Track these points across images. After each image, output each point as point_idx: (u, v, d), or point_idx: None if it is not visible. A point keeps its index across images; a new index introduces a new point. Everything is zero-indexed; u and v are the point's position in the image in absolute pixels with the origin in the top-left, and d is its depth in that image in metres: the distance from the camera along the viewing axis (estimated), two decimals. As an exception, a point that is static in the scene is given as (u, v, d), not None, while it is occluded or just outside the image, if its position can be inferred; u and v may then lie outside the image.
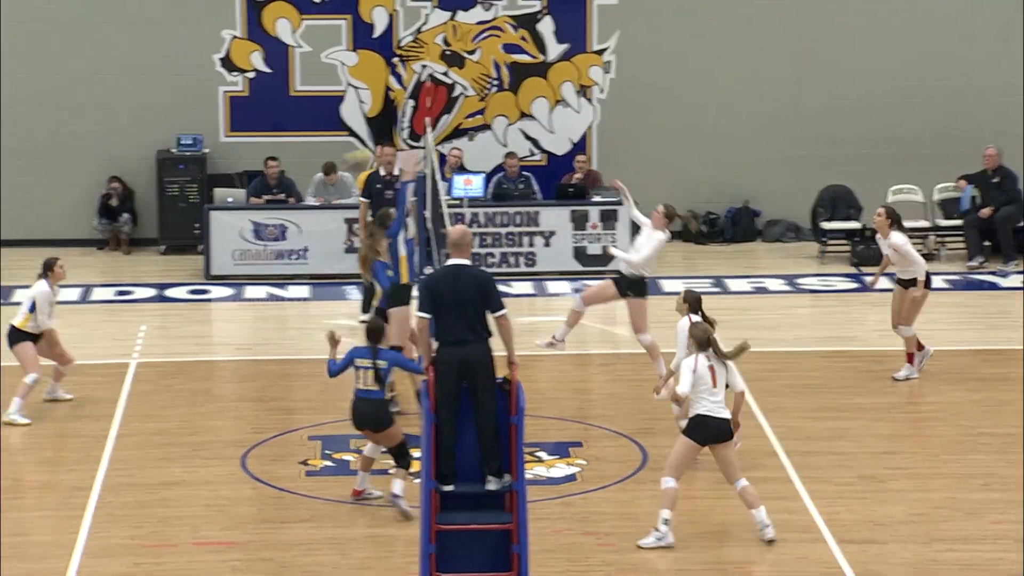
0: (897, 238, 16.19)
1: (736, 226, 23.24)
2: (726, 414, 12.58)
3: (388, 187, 19.43)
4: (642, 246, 15.72)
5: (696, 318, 13.67)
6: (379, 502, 13.38)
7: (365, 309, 15.36)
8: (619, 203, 21.63)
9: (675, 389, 12.81)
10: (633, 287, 15.67)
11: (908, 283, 16.28)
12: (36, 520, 13.07)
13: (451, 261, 11.15)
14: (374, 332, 13.12)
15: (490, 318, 11.09)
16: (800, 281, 21.15)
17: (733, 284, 21.08)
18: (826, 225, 22.27)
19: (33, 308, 15.63)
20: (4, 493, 13.68)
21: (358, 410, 13.05)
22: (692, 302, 13.91)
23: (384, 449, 13.32)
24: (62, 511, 13.23)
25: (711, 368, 12.59)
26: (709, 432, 12.54)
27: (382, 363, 13.00)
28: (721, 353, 12.69)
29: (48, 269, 15.82)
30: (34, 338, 15.66)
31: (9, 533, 12.80)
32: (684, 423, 12.86)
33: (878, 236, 16.52)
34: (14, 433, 15.21)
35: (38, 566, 12.18)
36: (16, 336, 15.63)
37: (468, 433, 11.02)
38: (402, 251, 15.27)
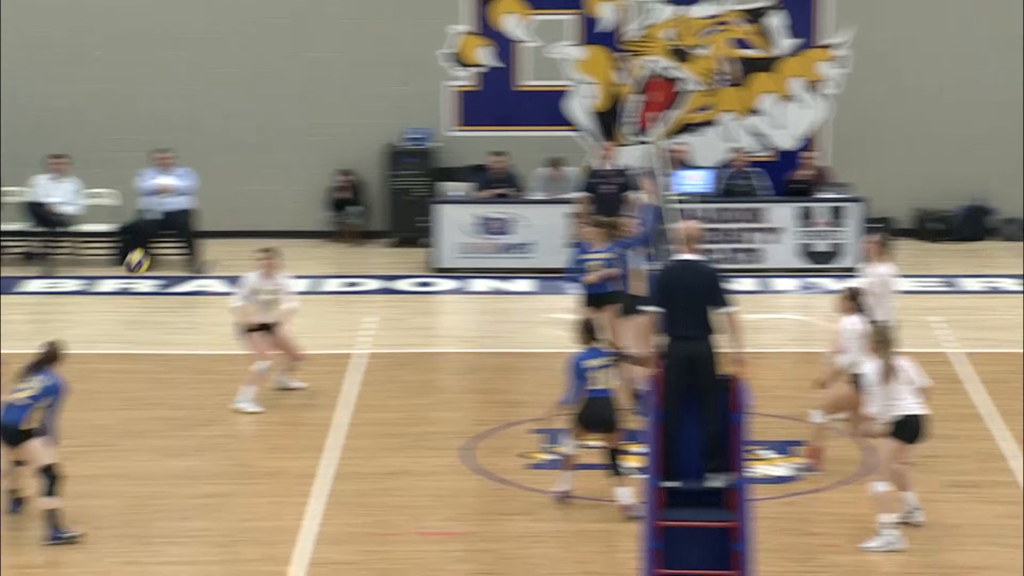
0: None
1: (969, 224, 22.71)
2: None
3: (606, 182, 19.46)
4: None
5: (858, 318, 13.36)
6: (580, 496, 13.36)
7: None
8: (849, 199, 21.31)
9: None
10: None
11: None
12: (266, 506, 13.33)
13: (681, 256, 11.10)
14: (587, 330, 13.17)
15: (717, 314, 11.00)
16: (1036, 281, 20.61)
17: (966, 284, 20.60)
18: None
19: (243, 297, 15.91)
20: (235, 479, 14.00)
21: (591, 410, 13.04)
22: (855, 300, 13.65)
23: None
24: (292, 498, 13.47)
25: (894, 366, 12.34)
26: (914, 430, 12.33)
27: (604, 361, 13.05)
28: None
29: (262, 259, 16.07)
30: (263, 328, 15.94)
31: (240, 518, 13.09)
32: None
33: None
34: (246, 420, 15.54)
35: (268, 551, 12.42)
36: (244, 326, 15.94)
37: (692, 429, 10.94)
38: (641, 265, 15.21)
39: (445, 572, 12.11)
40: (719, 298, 10.95)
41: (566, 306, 19.71)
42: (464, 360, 17.99)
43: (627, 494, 12.98)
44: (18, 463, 12.82)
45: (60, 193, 21.83)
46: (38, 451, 12.58)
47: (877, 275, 14.71)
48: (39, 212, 21.73)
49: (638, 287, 15.20)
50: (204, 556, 12.35)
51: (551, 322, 19.04)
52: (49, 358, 12.83)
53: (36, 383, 12.66)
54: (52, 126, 22.66)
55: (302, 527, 12.83)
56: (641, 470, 13.00)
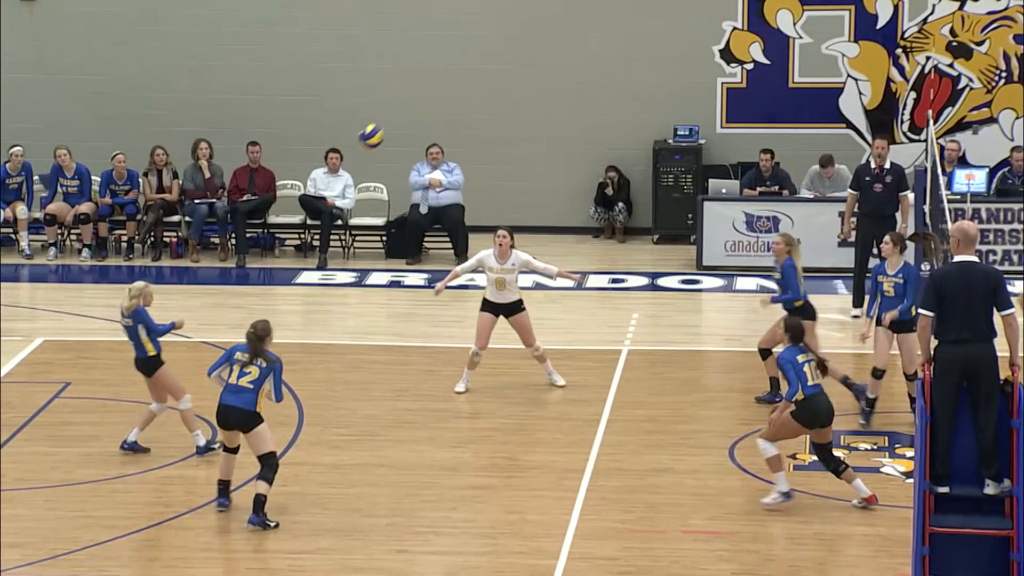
0: None
1: None
2: None
3: (877, 180, 19.07)
4: None
5: None
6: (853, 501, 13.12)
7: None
8: None
9: None
10: None
11: None
12: (531, 500, 13.41)
13: (958, 257, 10.83)
14: (795, 331, 13.16)
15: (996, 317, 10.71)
16: None
17: None
18: None
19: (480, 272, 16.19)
20: (501, 472, 14.12)
21: (818, 406, 12.98)
22: None
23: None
24: (556, 492, 13.52)
25: None
26: None
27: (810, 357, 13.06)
28: None
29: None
30: (495, 308, 16.07)
31: (505, 511, 13.19)
32: None
33: None
34: (511, 414, 15.65)
35: (533, 544, 12.49)
36: (482, 304, 16.14)
37: (966, 434, 10.68)
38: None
39: (707, 571, 12.03)
40: (1000, 299, 10.65)
41: (833, 306, 19.44)
42: (729, 359, 17.85)
43: (861, 485, 12.86)
44: (228, 450, 13.03)
45: (334, 187, 22.33)
46: (266, 437, 12.78)
47: None
48: (314, 206, 22.26)
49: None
50: (470, 547, 12.48)
51: (820, 322, 18.75)
52: (260, 338, 12.93)
53: (254, 365, 12.82)
54: (327, 122, 23.18)
55: (566, 521, 12.87)
56: (908, 473, 12.75)
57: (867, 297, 15.48)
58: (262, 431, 12.80)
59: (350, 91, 23.34)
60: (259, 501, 12.66)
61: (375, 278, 21.32)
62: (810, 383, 12.95)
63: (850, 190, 19.26)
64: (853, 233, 19.13)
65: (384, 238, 22.46)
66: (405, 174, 22.20)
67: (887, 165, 19.05)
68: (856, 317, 18.61)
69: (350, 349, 17.83)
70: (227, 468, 12.99)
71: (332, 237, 22.23)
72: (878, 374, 14.80)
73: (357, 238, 22.62)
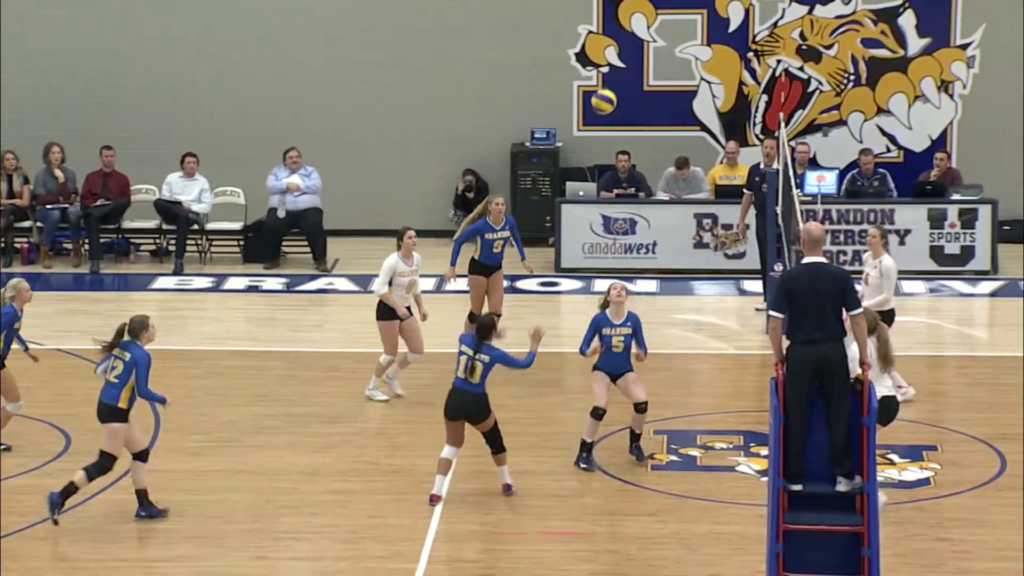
0: None
1: (1103, 227, 22.32)
2: None
3: (767, 180, 19.35)
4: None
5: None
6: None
7: None
8: (980, 201, 21.00)
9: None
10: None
11: None
12: (392, 503, 13.40)
13: (807, 259, 10.99)
14: (483, 328, 13.24)
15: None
16: None
17: (1098, 287, 20.24)
18: None
19: (387, 281, 15.95)
20: (361, 476, 14.09)
21: (454, 399, 13.21)
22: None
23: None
24: (417, 495, 13.52)
25: None
26: None
27: (484, 357, 13.14)
28: None
29: (399, 239, 16.09)
30: (394, 315, 15.98)
31: (367, 515, 13.17)
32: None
33: None
34: (371, 417, 15.63)
35: (393, 548, 12.48)
36: (381, 311, 15.99)
37: (818, 433, 10.84)
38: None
39: (567, 572, 12.10)
40: (848, 300, 10.83)
41: (689, 306, 19.66)
42: (587, 361, 17.92)
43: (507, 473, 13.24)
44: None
45: (190, 191, 22.13)
46: (114, 435, 12.66)
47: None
48: (169, 210, 22.05)
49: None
50: (331, 552, 12.44)
51: (674, 322, 18.98)
52: (122, 333, 12.81)
53: (119, 359, 12.70)
54: (183, 126, 22.98)
55: (426, 525, 12.88)
56: (764, 472, 12.92)
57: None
58: (114, 429, 12.65)
59: (207, 94, 23.15)
60: (66, 490, 12.57)
61: (232, 283, 21.17)
62: (460, 375, 13.21)
63: (745, 190, 19.49)
64: (748, 233, 19.34)
65: (241, 242, 22.31)
66: (262, 178, 22.08)
67: (776, 165, 19.37)
68: (760, 310, 18.72)
69: (208, 355, 17.69)
70: (136, 478, 12.92)
71: (188, 242, 22.03)
72: (598, 414, 14.38)
73: (214, 243, 22.45)
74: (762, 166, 19.24)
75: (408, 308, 15.99)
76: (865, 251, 20.93)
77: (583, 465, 14.13)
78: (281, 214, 21.96)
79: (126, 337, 12.79)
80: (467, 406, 13.32)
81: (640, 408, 14.16)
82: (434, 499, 13.31)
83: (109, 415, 12.68)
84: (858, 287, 15.50)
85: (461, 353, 13.36)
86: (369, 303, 16.64)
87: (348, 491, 13.69)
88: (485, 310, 16.76)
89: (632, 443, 14.35)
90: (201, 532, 12.70)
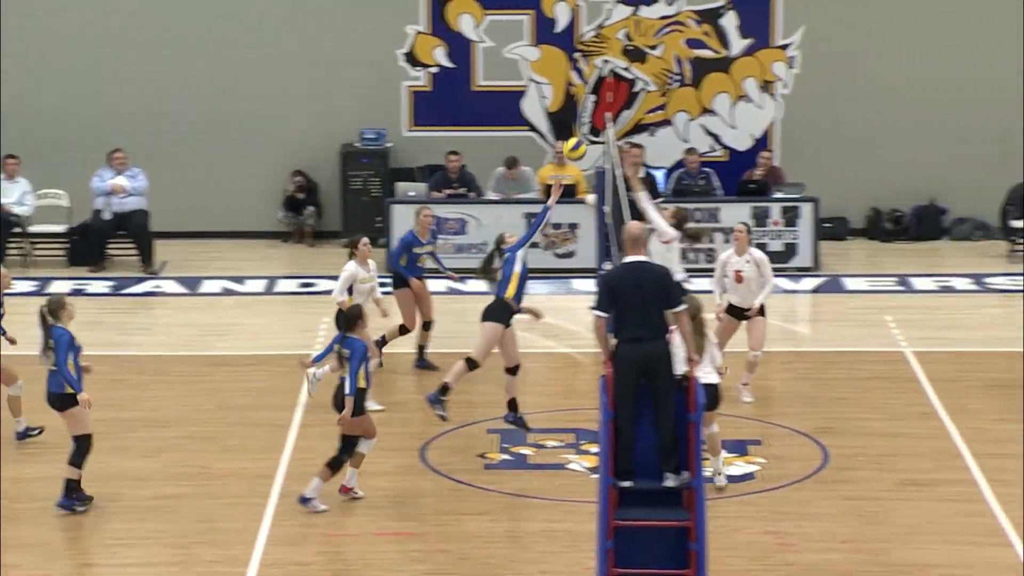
0: None
1: (922, 224, 22.86)
2: None
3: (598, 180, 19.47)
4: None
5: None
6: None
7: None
8: (802, 199, 21.39)
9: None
10: None
11: None
12: (223, 507, 13.29)
13: (629, 258, 11.10)
14: (347, 319, 13.23)
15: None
16: (988, 280, 20.74)
17: (918, 283, 20.73)
18: (1016, 223, 21.79)
19: (347, 289, 15.87)
20: (191, 481, 13.96)
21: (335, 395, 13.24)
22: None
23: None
24: (248, 499, 13.43)
25: None
26: None
27: (345, 352, 13.10)
28: None
29: (353, 247, 15.99)
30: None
31: (198, 519, 13.05)
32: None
33: None
34: (201, 422, 15.49)
35: (225, 552, 12.39)
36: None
37: (646, 429, 10.97)
38: (517, 268, 15.06)
39: (401, 572, 12.11)
40: (671, 298, 10.96)
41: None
42: (421, 371, 17.96)
43: (315, 486, 13.14)
44: None
45: (11, 194, 21.73)
46: (79, 418, 12.95)
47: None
48: (-9, 213, 21.63)
49: (511, 290, 15.01)
50: (160, 558, 12.31)
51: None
52: (54, 310, 12.86)
53: (53, 343, 12.87)
54: (4, 127, 22.53)
55: (257, 528, 12.80)
56: (595, 469, 13.05)
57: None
58: (75, 412, 12.85)
59: (30, 94, 22.72)
60: (68, 486, 12.80)
61: (57, 286, 20.80)
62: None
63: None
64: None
65: (66, 245, 21.95)
66: (87, 180, 21.75)
67: (640, 173, 19.53)
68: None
69: (32, 359, 17.35)
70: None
71: (10, 245, 21.62)
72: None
73: (37, 246, 22.06)
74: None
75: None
76: (691, 248, 21.23)
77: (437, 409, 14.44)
78: (107, 216, 21.66)
79: (50, 321, 12.75)
80: (335, 399, 13.26)
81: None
82: (343, 490, 13.33)
83: (62, 403, 12.92)
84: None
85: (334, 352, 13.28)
86: (196, 307, 16.51)
87: (178, 496, 13.56)
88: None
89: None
90: (27, 539, 12.50)
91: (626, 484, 10.88)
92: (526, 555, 12.47)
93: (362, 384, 13.13)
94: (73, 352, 13.02)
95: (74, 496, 13.00)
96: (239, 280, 21.00)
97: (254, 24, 22.85)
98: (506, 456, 14.54)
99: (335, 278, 21.12)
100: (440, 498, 13.63)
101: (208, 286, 20.69)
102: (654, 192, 19.20)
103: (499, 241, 15.40)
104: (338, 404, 13.20)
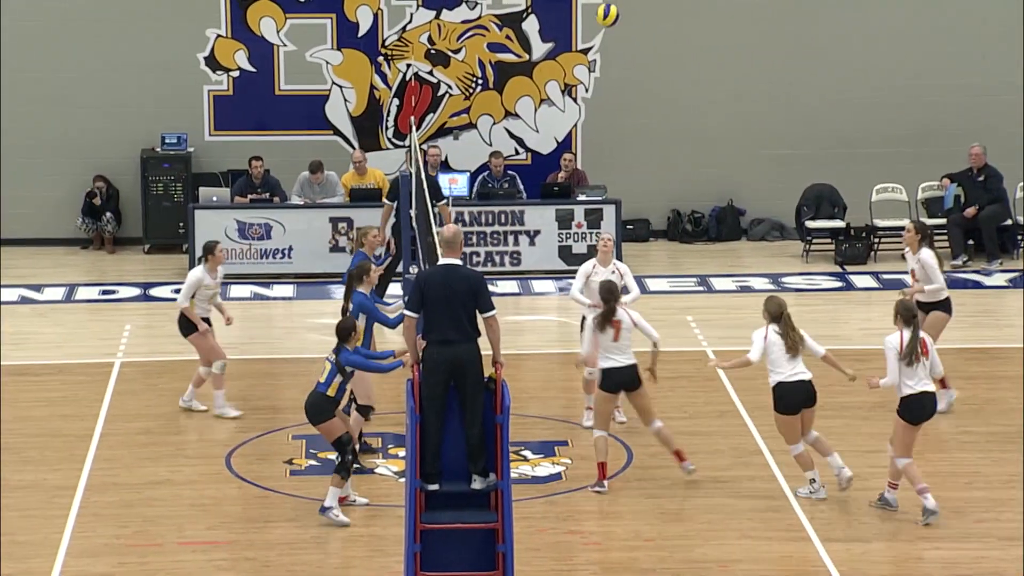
0: (926, 255, 15.76)
1: (721, 225, 23.26)
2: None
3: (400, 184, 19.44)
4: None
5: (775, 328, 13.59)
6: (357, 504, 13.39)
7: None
8: (605, 201, 21.63)
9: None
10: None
11: (928, 305, 15.59)
12: (20, 520, 13.03)
13: (442, 260, 11.14)
14: (341, 331, 13.12)
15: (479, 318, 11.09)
16: (785, 280, 21.18)
17: (718, 283, 21.09)
18: (811, 224, 22.29)
19: (192, 295, 15.58)
20: (-12, 493, 13.68)
21: (307, 402, 13.12)
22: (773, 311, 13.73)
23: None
24: (46, 511, 13.20)
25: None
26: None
27: (332, 357, 13.03)
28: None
29: (208, 252, 15.71)
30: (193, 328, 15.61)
31: (-7, 533, 12.80)
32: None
33: (906, 251, 16.04)
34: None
35: (23, 566, 12.16)
36: (186, 326, 15.58)
37: (454, 432, 11.01)
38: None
39: (207, 582, 12.01)
40: (482, 302, 11.02)
41: (326, 310, 19.68)
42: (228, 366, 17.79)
43: (334, 495, 13.04)
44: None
45: None
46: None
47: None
48: None
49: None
50: (-44, 573, 12.03)
51: (311, 327, 18.99)
52: None
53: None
54: None
55: (58, 540, 12.58)
56: (402, 473, 13.06)
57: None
58: None
59: None
60: None
61: None
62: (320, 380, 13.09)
63: (386, 201, 19.47)
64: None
65: None
66: None
67: (432, 172, 19.50)
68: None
69: None
70: None
71: None
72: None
73: None
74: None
75: (207, 320, 15.57)
76: (496, 251, 21.37)
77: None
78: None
79: None
80: (306, 405, 13.05)
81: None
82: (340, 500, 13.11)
83: None
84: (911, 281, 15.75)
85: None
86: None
87: (-26, 510, 13.26)
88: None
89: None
90: None
91: (433, 487, 10.91)
92: (332, 560, 12.44)
93: (331, 393, 12.99)
94: None
95: None
96: (37, 288, 20.59)
97: (54, 27, 22.41)
98: (313, 462, 14.48)
99: (136, 285, 20.93)
100: (246, 505, 13.52)
101: (5, 294, 20.24)
102: (438, 194, 19.22)
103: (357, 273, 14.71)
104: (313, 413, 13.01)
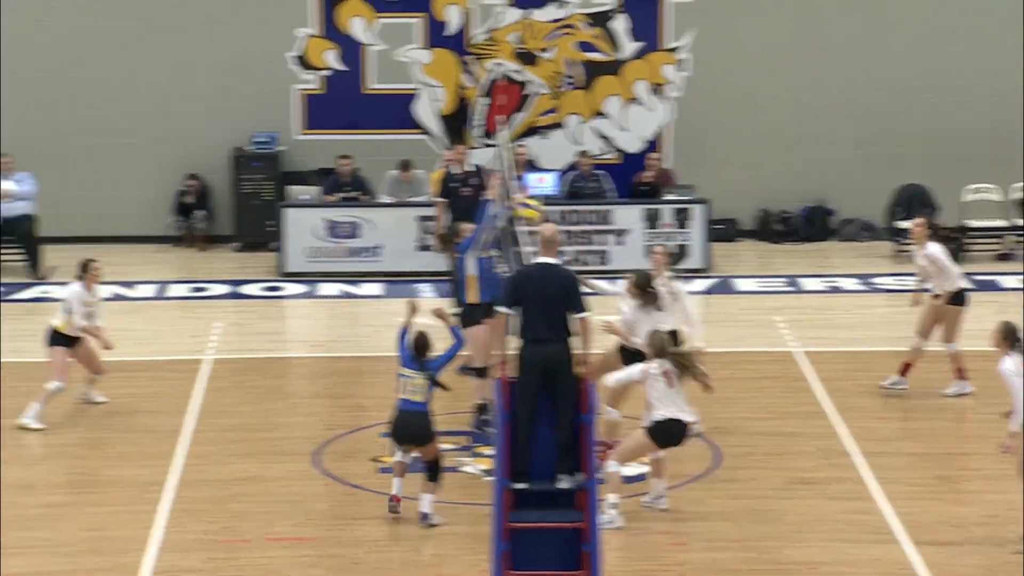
0: (933, 248, 15.75)
1: (810, 225, 23.10)
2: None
3: (464, 184, 19.51)
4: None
5: (1016, 355, 12.44)
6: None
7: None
8: (693, 201, 21.56)
9: None
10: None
11: (943, 302, 15.61)
12: (112, 515, 13.17)
13: (538, 259, 11.17)
14: (420, 345, 13.03)
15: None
16: (875, 280, 21.01)
17: (807, 283, 20.96)
18: (901, 224, 22.08)
19: (69, 311, 15.55)
20: (80, 488, 13.81)
21: (400, 422, 12.97)
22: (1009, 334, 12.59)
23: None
24: (137, 506, 13.32)
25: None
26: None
27: (424, 373, 12.87)
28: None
29: (83, 270, 15.79)
30: (70, 342, 15.57)
31: (87, 527, 12.92)
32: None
33: (915, 249, 16.04)
34: (90, 428, 15.32)
35: (114, 560, 12.28)
36: (54, 338, 15.59)
37: (543, 431, 11.01)
38: (471, 270, 14.97)
39: (294, 578, 12.08)
40: (575, 303, 11.02)
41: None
42: (313, 365, 17.93)
43: (428, 501, 12.95)
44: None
45: None
46: None
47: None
48: None
49: (472, 294, 15.02)
50: (48, 566, 12.18)
51: (398, 326, 19.03)
52: None
53: None
54: None
55: (148, 535, 12.70)
56: (490, 472, 13.07)
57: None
58: None
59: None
60: None
61: (-57, 293, 20.52)
62: (405, 397, 13.04)
63: (438, 199, 19.55)
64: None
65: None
66: (-27, 185, 21.45)
67: (469, 169, 19.51)
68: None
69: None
70: None
71: None
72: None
73: (-78, 251, 21.72)
74: (455, 171, 19.41)
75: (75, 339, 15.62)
76: (584, 251, 21.33)
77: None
78: (-6, 221, 21.39)
79: None
80: (411, 426, 12.87)
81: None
82: (394, 499, 12.98)
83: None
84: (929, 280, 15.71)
85: (400, 375, 12.93)
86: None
87: (65, 503, 13.41)
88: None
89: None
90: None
91: (521, 486, 10.92)
92: (420, 558, 12.47)
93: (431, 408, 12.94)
94: None
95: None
96: (129, 285, 20.81)
97: (145, 27, 22.64)
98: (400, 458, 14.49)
99: (226, 283, 21.09)
100: (333, 502, 13.58)
101: (99, 291, 20.42)
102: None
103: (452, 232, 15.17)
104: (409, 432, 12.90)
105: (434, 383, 12.95)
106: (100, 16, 22.59)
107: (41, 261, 21.36)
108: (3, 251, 21.63)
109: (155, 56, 22.68)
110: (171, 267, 21.97)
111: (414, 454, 13.10)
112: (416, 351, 12.99)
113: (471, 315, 14.84)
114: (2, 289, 20.65)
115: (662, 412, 12.72)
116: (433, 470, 13.00)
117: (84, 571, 12.11)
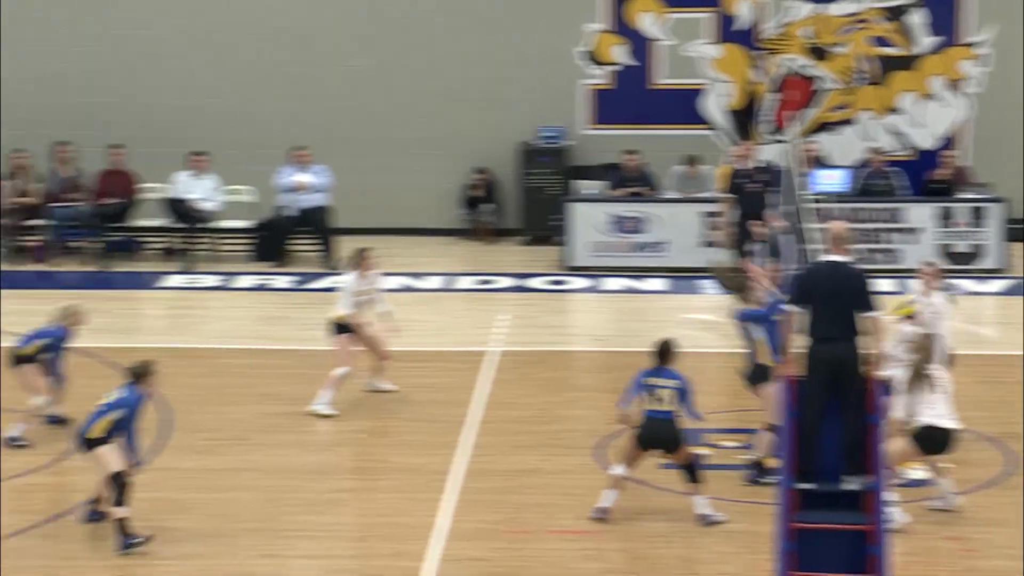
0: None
1: (1112, 226, 22.25)
2: None
3: (751, 180, 19.33)
4: None
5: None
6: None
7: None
8: (988, 200, 20.96)
9: None
10: None
11: None
12: (401, 502, 13.38)
13: (827, 257, 11.00)
14: (663, 352, 12.90)
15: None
16: None
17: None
18: None
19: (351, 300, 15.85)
20: (368, 474, 14.07)
21: (647, 430, 12.84)
22: None
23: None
24: (424, 494, 13.51)
25: None
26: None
27: (671, 383, 12.74)
28: None
29: (357, 259, 16.05)
30: (352, 330, 15.84)
31: (375, 513, 13.16)
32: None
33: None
34: (378, 416, 15.61)
35: (401, 547, 12.46)
36: (336, 327, 15.83)
37: (830, 431, 10.83)
38: (758, 335, 14.23)
39: (575, 570, 12.08)
40: (865, 302, 10.82)
41: (699, 305, 19.63)
42: (597, 358, 17.96)
43: (702, 502, 12.80)
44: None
45: (200, 190, 22.13)
46: (104, 458, 12.34)
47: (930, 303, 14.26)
48: (179, 208, 22.05)
49: (763, 356, 14.26)
50: (337, 551, 12.43)
51: (684, 321, 18.95)
52: (138, 373, 12.63)
53: (115, 393, 12.55)
54: (192, 124, 22.99)
55: (433, 523, 12.87)
56: (776, 471, 12.89)
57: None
58: (101, 452, 12.38)
59: (215, 93, 23.15)
60: (118, 526, 12.28)
61: (242, 281, 21.16)
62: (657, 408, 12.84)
63: (726, 194, 19.41)
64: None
65: (252, 241, 22.30)
66: (272, 176, 22.09)
67: (758, 164, 19.33)
68: None
69: (215, 353, 17.69)
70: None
71: (198, 240, 22.03)
72: None
73: (223, 241, 22.44)
74: (743, 167, 19.19)
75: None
76: (874, 249, 20.90)
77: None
78: (291, 212, 21.96)
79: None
80: (659, 434, 12.81)
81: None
82: (602, 511, 12.93)
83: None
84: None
85: (642, 386, 12.85)
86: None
87: (354, 489, 13.68)
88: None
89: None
90: (207, 530, 12.69)
91: (807, 486, 10.74)
92: (701, 555, 12.37)
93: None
94: None
95: (127, 535, 12.33)
96: (418, 276, 21.16)
97: (432, 22, 23.00)
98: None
99: (513, 276, 21.28)
100: (618, 498, 13.54)
101: (387, 282, 20.85)
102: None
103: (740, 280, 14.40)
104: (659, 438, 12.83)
105: (683, 395, 12.77)
106: (392, 15, 23.00)
107: (334, 251, 21.88)
108: (299, 242, 22.22)
109: (446, 51, 23.02)
110: (458, 259, 22.27)
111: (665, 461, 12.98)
112: (660, 358, 12.89)
113: (762, 374, 14.10)
114: (298, 278, 21.21)
115: (927, 418, 12.38)
116: (691, 471, 12.89)
117: (373, 556, 12.32)
